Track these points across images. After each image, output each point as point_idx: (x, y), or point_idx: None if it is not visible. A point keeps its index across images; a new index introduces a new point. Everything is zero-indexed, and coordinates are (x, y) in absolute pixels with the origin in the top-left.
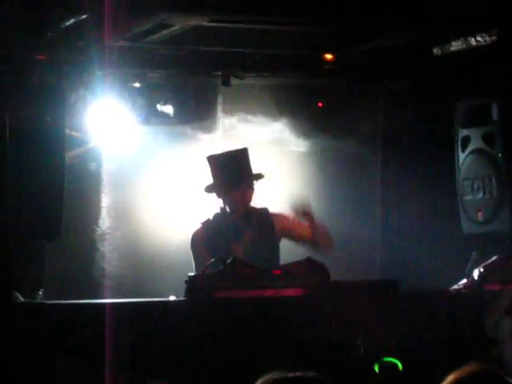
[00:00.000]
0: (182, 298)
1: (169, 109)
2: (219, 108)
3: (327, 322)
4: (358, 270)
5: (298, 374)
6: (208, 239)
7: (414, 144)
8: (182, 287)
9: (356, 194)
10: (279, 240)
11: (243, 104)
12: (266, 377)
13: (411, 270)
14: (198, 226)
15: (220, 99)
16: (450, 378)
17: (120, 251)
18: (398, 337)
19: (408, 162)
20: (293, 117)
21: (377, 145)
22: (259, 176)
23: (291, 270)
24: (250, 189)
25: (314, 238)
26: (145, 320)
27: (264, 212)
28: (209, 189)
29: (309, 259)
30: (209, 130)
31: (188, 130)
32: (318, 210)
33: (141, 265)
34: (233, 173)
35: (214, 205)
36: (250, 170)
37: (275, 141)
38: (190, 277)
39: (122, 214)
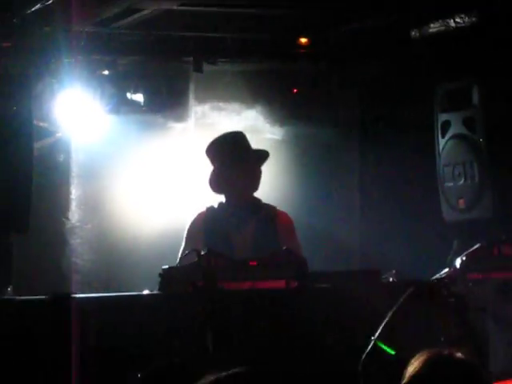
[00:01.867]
0: (155, 292)
1: (139, 97)
2: (191, 96)
3: (307, 314)
4: (337, 261)
5: (229, 372)
6: (207, 224)
7: (393, 130)
8: (156, 281)
9: (333, 183)
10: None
11: (216, 91)
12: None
13: (391, 260)
14: (183, 215)
15: (192, 87)
16: (410, 369)
17: (91, 244)
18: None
19: (387, 148)
20: (267, 104)
21: (354, 131)
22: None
23: (268, 261)
24: (258, 170)
25: None
26: (117, 314)
27: (272, 209)
28: (212, 182)
29: (287, 250)
30: (181, 118)
31: (159, 118)
32: (293, 198)
33: (112, 258)
34: (242, 150)
35: (185, 197)
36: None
37: (249, 129)
38: (164, 269)
39: (92, 206)
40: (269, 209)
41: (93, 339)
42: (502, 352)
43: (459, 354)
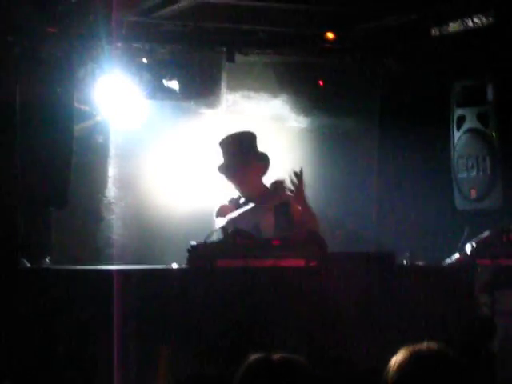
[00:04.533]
0: (183, 266)
1: (174, 84)
2: (223, 84)
3: (326, 293)
4: (354, 245)
5: (279, 355)
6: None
7: (411, 122)
8: (184, 255)
9: (353, 170)
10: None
11: (246, 81)
12: (250, 358)
13: (406, 245)
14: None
15: (224, 76)
16: (400, 355)
17: (124, 220)
18: (396, 309)
19: (404, 139)
20: (294, 94)
21: (374, 123)
22: (262, 157)
23: (291, 241)
24: (246, 173)
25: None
26: (149, 286)
27: (286, 201)
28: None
29: (309, 231)
30: (212, 105)
31: (192, 105)
32: (315, 184)
33: (144, 234)
34: (230, 157)
35: (213, 179)
36: (248, 154)
37: (276, 117)
38: (192, 245)
39: (127, 185)
40: (281, 200)
41: (127, 309)
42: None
43: (437, 346)
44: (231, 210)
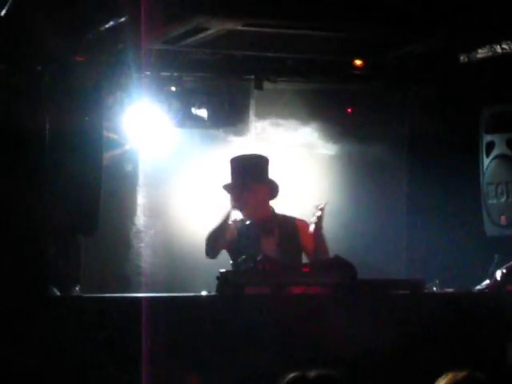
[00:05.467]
0: (213, 293)
1: (203, 112)
2: (252, 112)
3: (355, 319)
4: (384, 271)
5: (315, 372)
6: (239, 230)
7: (440, 148)
8: (214, 284)
9: (383, 197)
10: (303, 249)
11: (275, 108)
12: (287, 377)
13: (436, 271)
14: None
15: (252, 103)
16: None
17: (153, 248)
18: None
19: (434, 166)
20: (322, 121)
21: (403, 149)
22: (270, 182)
23: (320, 267)
24: (252, 193)
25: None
26: (178, 313)
27: (290, 220)
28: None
29: (337, 257)
30: (241, 133)
31: (221, 133)
32: (344, 211)
33: (173, 262)
34: (236, 177)
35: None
36: (260, 177)
37: (305, 144)
38: (221, 273)
39: (156, 213)
40: (285, 220)
41: (156, 336)
42: None
43: (481, 375)
44: (231, 234)
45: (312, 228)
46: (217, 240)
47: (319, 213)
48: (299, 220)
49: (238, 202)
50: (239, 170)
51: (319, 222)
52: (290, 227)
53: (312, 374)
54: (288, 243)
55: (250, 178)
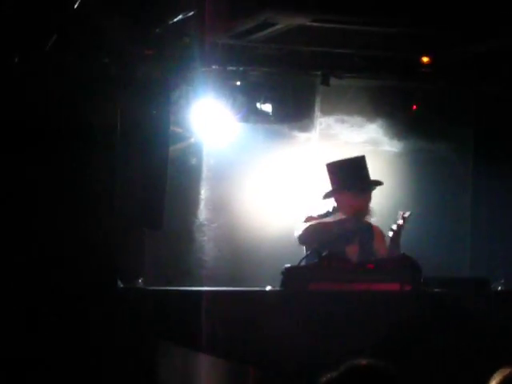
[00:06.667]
0: (277, 289)
1: (268, 107)
2: (317, 108)
3: (420, 317)
4: (449, 269)
5: (370, 361)
6: (321, 237)
7: (506, 148)
8: (278, 278)
9: (447, 195)
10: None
11: (340, 104)
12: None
13: (500, 269)
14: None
15: (318, 99)
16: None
17: (216, 242)
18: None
19: (499, 165)
20: (387, 118)
21: (469, 147)
22: (378, 183)
23: (385, 265)
24: (370, 195)
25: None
26: (242, 308)
27: (366, 225)
28: (327, 195)
29: (403, 255)
30: (306, 129)
31: (285, 128)
32: (408, 208)
33: (236, 256)
34: (358, 178)
35: (305, 202)
36: (370, 177)
37: (369, 141)
38: (286, 268)
39: (219, 207)
40: (367, 223)
41: (218, 330)
42: None
43: None
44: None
45: (391, 234)
46: (321, 233)
47: (401, 221)
48: (374, 226)
49: (362, 206)
50: (362, 173)
51: (399, 229)
52: (366, 232)
53: (363, 362)
54: (365, 247)
55: (374, 183)
